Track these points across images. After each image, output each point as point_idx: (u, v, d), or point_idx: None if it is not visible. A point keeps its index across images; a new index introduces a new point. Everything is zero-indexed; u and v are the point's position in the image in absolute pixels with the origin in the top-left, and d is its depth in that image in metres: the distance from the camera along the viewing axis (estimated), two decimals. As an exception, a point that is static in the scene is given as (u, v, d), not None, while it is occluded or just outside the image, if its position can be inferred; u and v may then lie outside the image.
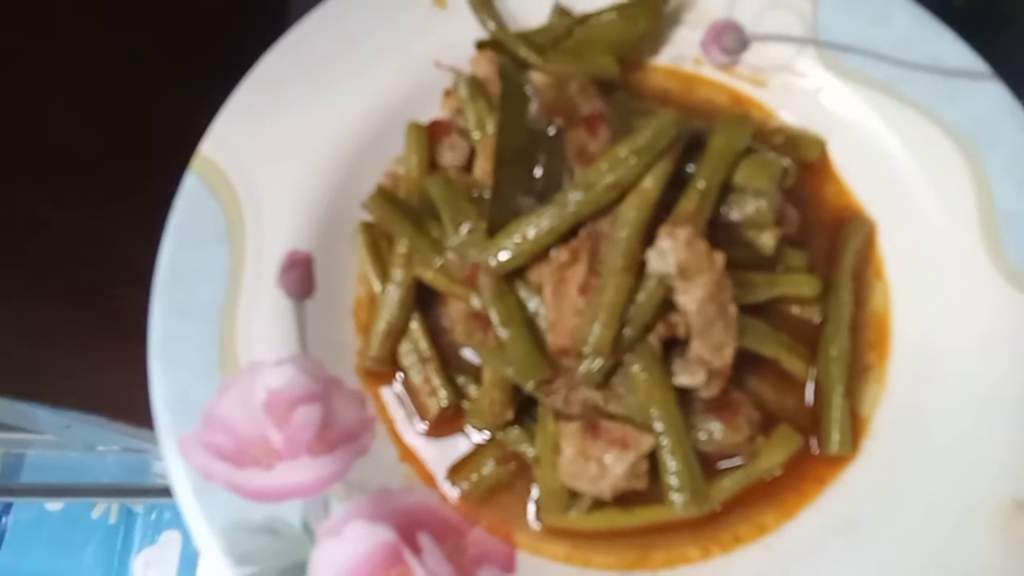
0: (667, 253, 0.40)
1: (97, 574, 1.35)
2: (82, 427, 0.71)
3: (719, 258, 0.41)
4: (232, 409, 0.43)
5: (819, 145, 0.51)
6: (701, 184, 0.43)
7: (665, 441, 0.40)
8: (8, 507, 1.41)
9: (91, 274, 0.60)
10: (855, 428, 0.44)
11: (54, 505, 1.40)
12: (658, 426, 0.41)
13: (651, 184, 0.42)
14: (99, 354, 0.65)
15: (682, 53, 0.54)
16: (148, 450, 0.92)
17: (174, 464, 0.42)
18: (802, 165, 0.50)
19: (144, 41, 0.61)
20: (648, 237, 0.42)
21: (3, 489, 1.36)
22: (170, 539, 1.38)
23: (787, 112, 0.52)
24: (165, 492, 1.33)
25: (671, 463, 0.40)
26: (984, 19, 0.65)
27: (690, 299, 0.40)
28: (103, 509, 1.40)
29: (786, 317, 0.47)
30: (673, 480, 0.40)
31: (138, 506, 1.40)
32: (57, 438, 0.86)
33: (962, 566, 0.39)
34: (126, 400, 0.69)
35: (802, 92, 0.51)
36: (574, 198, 0.42)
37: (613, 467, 0.40)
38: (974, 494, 0.40)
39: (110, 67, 0.58)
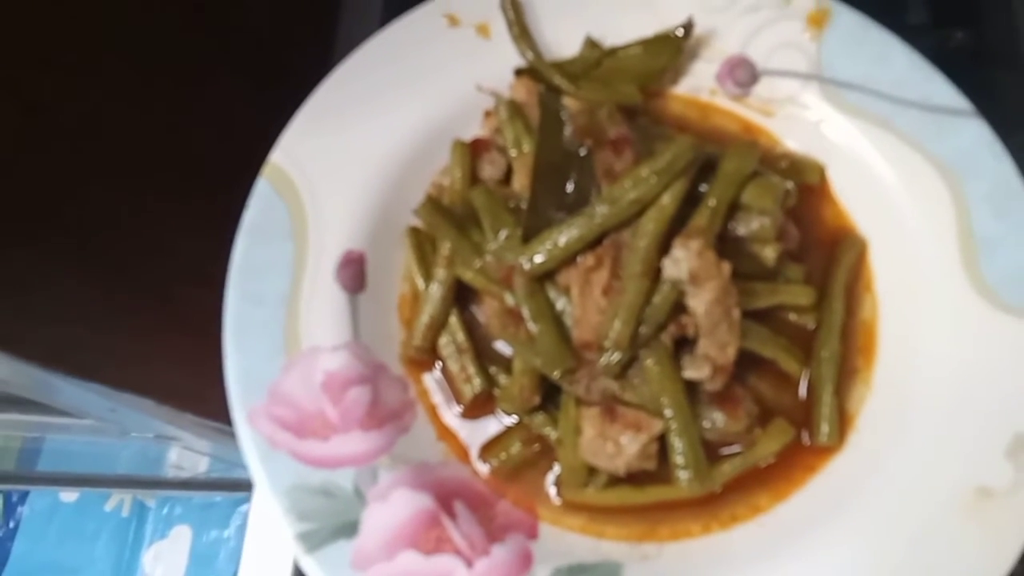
0: (680, 261, 0.45)
1: (108, 566, 1.39)
2: (126, 411, 0.76)
3: (726, 267, 0.46)
4: (294, 386, 0.48)
5: (819, 170, 0.55)
6: (712, 202, 0.49)
7: (674, 425, 0.46)
8: (24, 497, 1.45)
9: (160, 272, 0.66)
10: (842, 423, 0.49)
11: (68, 496, 1.44)
12: (668, 412, 0.46)
13: (668, 201, 0.47)
14: (158, 344, 0.71)
15: (699, 84, 0.58)
16: (179, 437, 0.97)
17: (244, 432, 0.47)
18: (803, 188, 0.55)
19: (211, 59, 0.67)
20: (664, 247, 0.47)
21: (21, 477, 1.40)
22: (181, 534, 1.42)
23: (792, 140, 0.57)
24: (180, 485, 1.38)
25: (678, 444, 0.46)
26: (975, 58, 0.71)
27: (699, 302, 0.46)
28: (116, 502, 1.44)
29: (784, 323, 0.52)
30: (680, 459, 0.46)
31: (150, 500, 1.44)
32: (97, 422, 0.91)
33: (933, 544, 0.44)
34: (174, 386, 0.75)
35: (806, 122, 0.56)
36: (600, 211, 0.47)
37: (628, 447, 0.46)
38: (945, 482, 0.45)
39: (182, 83, 0.64)
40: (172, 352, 0.72)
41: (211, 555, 1.42)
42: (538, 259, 0.48)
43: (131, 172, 0.62)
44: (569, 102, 0.52)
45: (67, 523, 1.43)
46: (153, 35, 0.61)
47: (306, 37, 0.74)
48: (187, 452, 1.25)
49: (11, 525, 1.44)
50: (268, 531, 0.58)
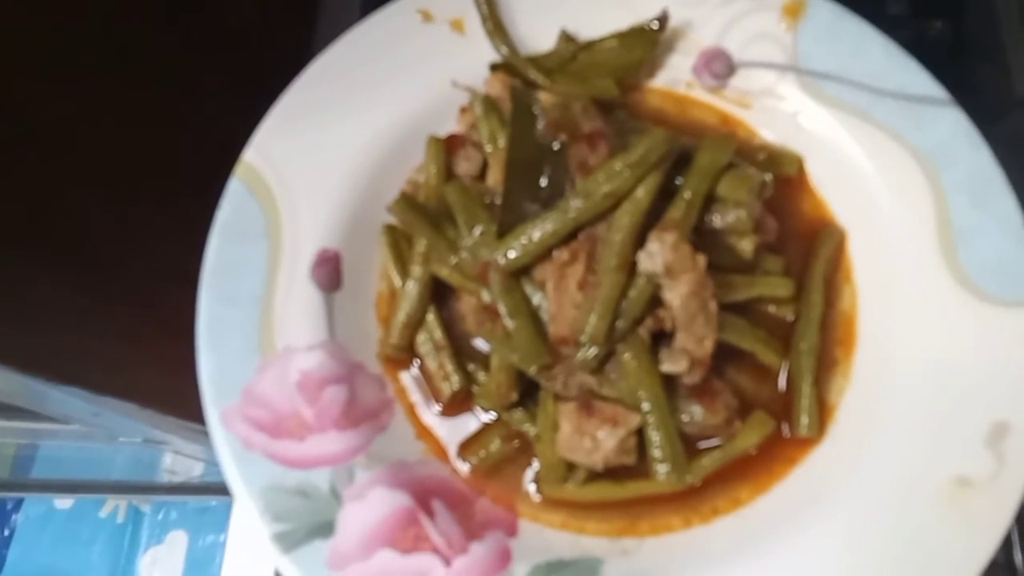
0: (655, 255, 0.45)
1: (104, 572, 1.38)
2: (111, 415, 0.76)
3: (701, 260, 0.46)
4: (269, 387, 0.48)
5: (797, 161, 0.55)
6: (687, 195, 0.49)
7: (651, 419, 0.46)
8: (18, 504, 1.44)
9: (141, 275, 0.66)
10: (822, 414, 0.49)
11: (63, 503, 1.44)
12: (645, 406, 0.46)
13: (643, 194, 0.47)
14: (140, 348, 0.71)
15: (676, 77, 0.58)
16: (168, 441, 0.97)
17: (217, 433, 0.47)
18: (782, 179, 0.54)
19: (189, 61, 0.67)
20: (639, 240, 0.47)
21: (15, 484, 1.40)
22: (176, 539, 1.41)
23: (769, 131, 0.56)
24: (174, 489, 1.37)
25: (655, 438, 0.45)
26: (955, 48, 0.71)
27: (675, 295, 0.45)
28: (111, 508, 1.43)
29: (763, 315, 0.51)
30: (657, 453, 0.45)
31: (145, 506, 1.44)
32: (83, 427, 0.91)
33: (914, 533, 0.43)
34: (157, 389, 0.74)
35: (783, 114, 0.56)
36: (575, 205, 0.47)
37: (605, 441, 0.45)
38: (925, 472, 0.45)
39: (160, 85, 0.64)
40: (156, 355, 0.72)
41: (207, 559, 1.41)
42: (512, 254, 0.47)
43: (109, 175, 0.62)
44: (543, 96, 0.52)
45: (62, 530, 1.43)
46: (131, 39, 0.61)
47: (285, 38, 0.74)
48: (181, 457, 1.25)
49: (6, 533, 1.44)
50: (250, 533, 0.58)
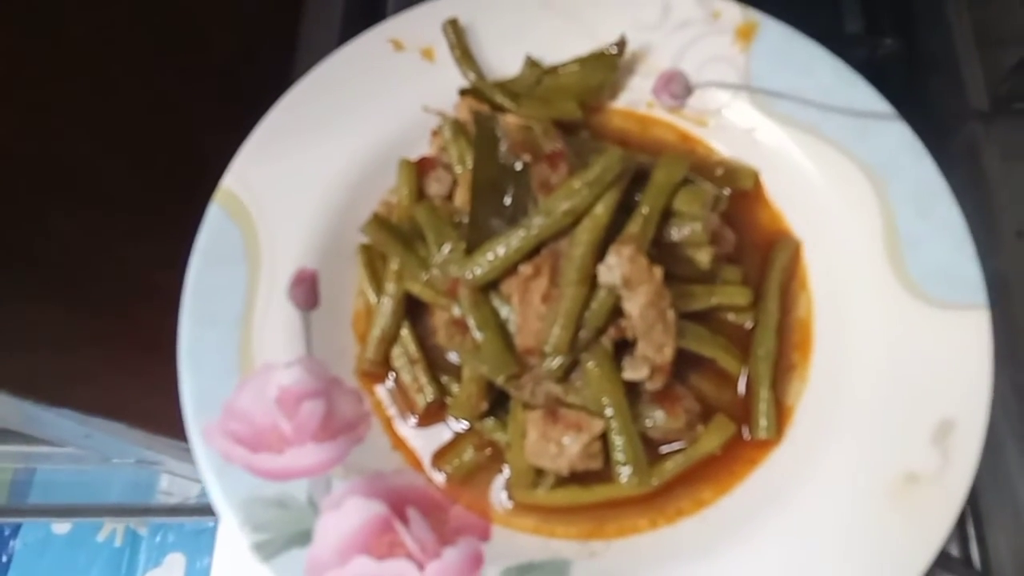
0: (614, 267, 0.48)
1: (103, 596, 1.39)
2: (102, 436, 0.78)
3: (658, 271, 0.48)
4: (249, 403, 0.50)
5: (753, 176, 0.57)
6: (645, 210, 0.51)
7: (614, 424, 0.48)
8: (16, 530, 1.45)
9: (118, 293, 0.67)
10: (780, 417, 0.51)
11: (61, 528, 1.44)
12: (608, 412, 0.48)
13: (601, 210, 0.49)
14: (124, 367, 0.72)
15: (636, 98, 0.60)
16: (162, 462, 0.98)
17: (199, 448, 0.49)
18: (739, 193, 0.57)
19: (170, 85, 0.69)
20: (600, 254, 0.49)
21: (13, 510, 1.41)
22: (174, 561, 1.42)
23: (726, 147, 0.59)
24: (171, 511, 1.38)
25: (618, 442, 0.47)
26: (908, 64, 0.73)
27: (634, 305, 0.48)
28: (108, 532, 1.44)
29: (723, 323, 0.54)
30: (620, 456, 0.47)
31: (143, 529, 1.44)
32: (76, 449, 0.92)
33: (865, 530, 0.45)
34: (146, 409, 0.76)
35: (738, 130, 0.58)
36: (537, 222, 0.49)
37: (570, 447, 0.47)
38: (876, 470, 0.47)
39: (143, 110, 0.66)
40: (143, 375, 0.74)
41: (205, 581, 1.42)
42: (480, 270, 0.50)
43: (89, 202, 0.63)
44: (508, 119, 0.54)
45: (60, 556, 1.43)
46: (113, 62, 0.63)
47: (266, 62, 0.76)
48: (177, 479, 1.26)
49: (3, 559, 1.44)
50: (236, 549, 0.59)
